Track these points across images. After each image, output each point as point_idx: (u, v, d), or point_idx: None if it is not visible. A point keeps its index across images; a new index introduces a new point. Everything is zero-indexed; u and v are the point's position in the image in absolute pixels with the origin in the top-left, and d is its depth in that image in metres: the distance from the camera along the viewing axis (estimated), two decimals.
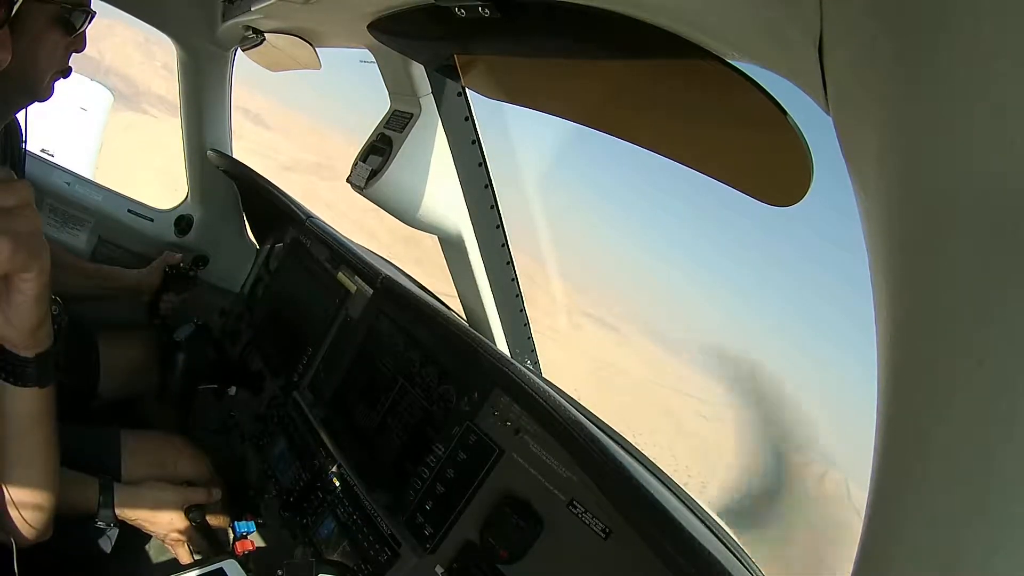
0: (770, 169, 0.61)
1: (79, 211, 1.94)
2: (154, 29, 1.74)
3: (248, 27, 1.39)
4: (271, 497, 1.46)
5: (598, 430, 0.91)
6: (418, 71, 1.20)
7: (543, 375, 1.51)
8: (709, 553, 0.76)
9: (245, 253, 2.11)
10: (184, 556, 1.37)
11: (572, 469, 0.97)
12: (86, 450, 1.28)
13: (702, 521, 1.04)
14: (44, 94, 1.19)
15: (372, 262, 1.46)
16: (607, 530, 0.91)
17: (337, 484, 1.30)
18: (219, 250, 2.12)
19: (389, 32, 0.95)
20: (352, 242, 1.65)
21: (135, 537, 1.33)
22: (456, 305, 1.56)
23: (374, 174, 1.22)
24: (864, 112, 0.31)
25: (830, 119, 0.37)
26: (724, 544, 0.99)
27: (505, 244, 1.41)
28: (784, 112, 0.53)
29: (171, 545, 1.38)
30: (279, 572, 1.09)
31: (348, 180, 1.28)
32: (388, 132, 1.26)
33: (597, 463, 0.86)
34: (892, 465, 0.27)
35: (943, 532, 0.23)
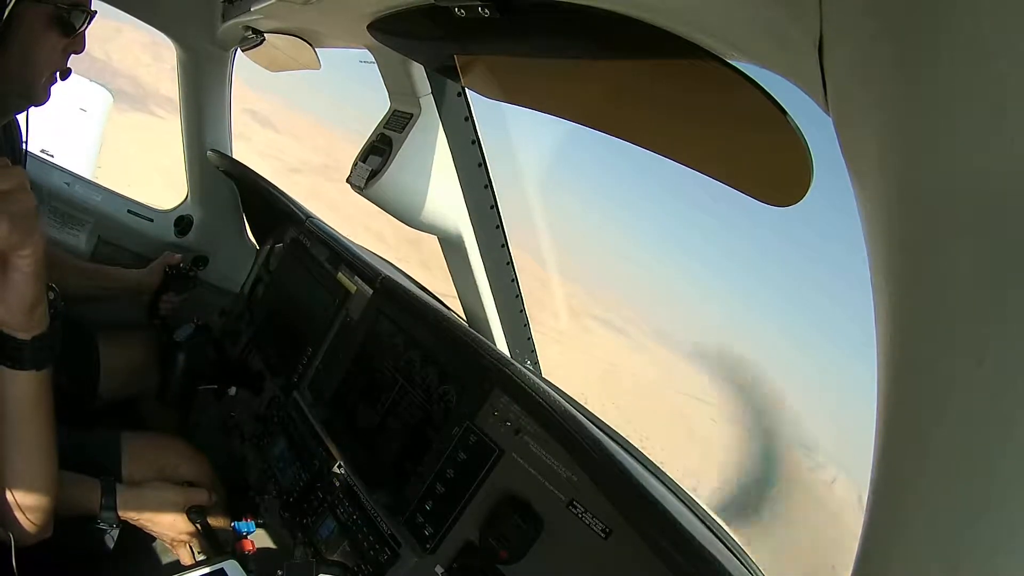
0: (770, 169, 0.61)
1: (79, 211, 1.94)
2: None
3: (248, 27, 1.39)
4: (271, 497, 1.46)
5: (598, 430, 0.91)
6: (418, 71, 1.20)
7: (545, 377, 1.51)
8: (709, 553, 0.76)
9: (245, 253, 2.11)
10: (185, 556, 1.38)
11: (572, 469, 0.97)
12: (87, 453, 1.28)
13: (702, 521, 1.04)
14: (41, 96, 1.17)
15: (372, 262, 1.46)
16: (607, 530, 0.91)
17: (337, 484, 1.30)
18: (219, 250, 2.12)
19: (389, 32, 0.95)
20: (352, 242, 1.65)
21: (136, 537, 1.34)
22: (456, 305, 1.56)
23: (374, 174, 1.22)
24: (864, 112, 0.31)
25: (830, 119, 0.37)
26: (724, 544, 0.99)
27: (505, 244, 1.41)
28: (784, 112, 0.53)
29: (172, 545, 1.38)
30: (280, 572, 1.09)
31: (348, 180, 1.28)
32: (388, 132, 1.26)
33: (597, 463, 0.86)
34: (892, 465, 0.27)
35: (943, 532, 0.23)
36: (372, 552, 1.17)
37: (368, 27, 0.96)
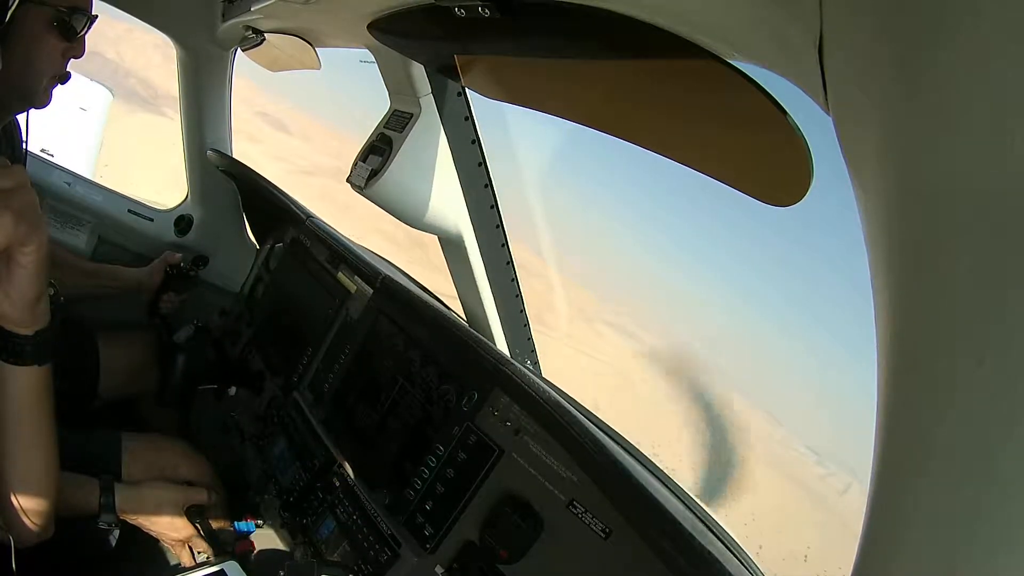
0: (770, 169, 0.61)
1: (79, 211, 1.94)
2: None
3: (248, 27, 1.39)
4: (271, 497, 1.46)
5: (598, 430, 0.91)
6: (418, 71, 1.20)
7: (545, 377, 1.51)
8: (709, 553, 0.76)
9: (245, 253, 2.11)
10: (185, 557, 1.37)
11: (572, 469, 0.97)
12: (87, 453, 1.28)
13: (702, 521, 1.04)
14: (41, 100, 1.17)
15: (372, 262, 1.46)
16: (607, 530, 0.91)
17: (337, 484, 1.30)
18: (219, 250, 2.12)
19: (389, 32, 0.95)
20: (352, 242, 1.65)
21: (137, 538, 1.33)
22: (456, 305, 1.56)
23: (374, 174, 1.22)
24: (864, 112, 0.31)
25: (830, 119, 0.37)
26: (724, 544, 0.99)
27: (505, 244, 1.41)
28: (784, 112, 0.53)
29: (172, 546, 1.38)
30: (280, 573, 1.09)
31: (348, 180, 1.28)
32: (388, 132, 1.26)
33: (597, 463, 0.86)
34: (892, 465, 0.27)
35: (943, 532, 0.23)
36: (372, 552, 1.17)
37: (368, 27, 0.96)
